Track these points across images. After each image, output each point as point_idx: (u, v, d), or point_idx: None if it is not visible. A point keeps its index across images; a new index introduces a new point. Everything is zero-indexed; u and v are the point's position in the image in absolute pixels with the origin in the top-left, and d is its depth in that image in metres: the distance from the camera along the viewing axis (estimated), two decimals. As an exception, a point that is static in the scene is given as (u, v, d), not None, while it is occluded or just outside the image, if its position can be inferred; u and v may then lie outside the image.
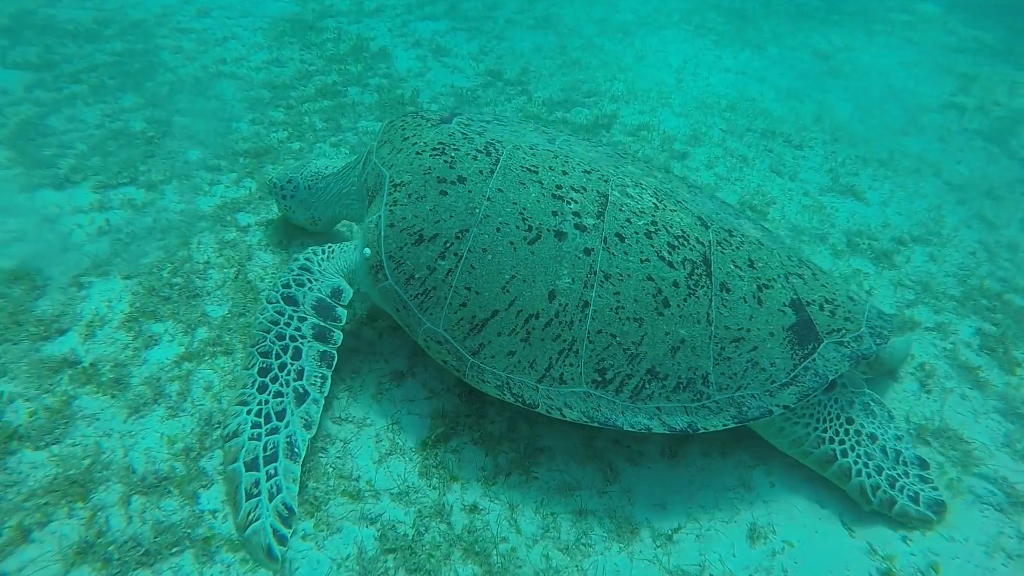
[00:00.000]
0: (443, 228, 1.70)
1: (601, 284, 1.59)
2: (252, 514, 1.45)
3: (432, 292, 1.67)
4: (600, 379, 1.56)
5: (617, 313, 1.57)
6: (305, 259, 1.87)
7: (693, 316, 1.59)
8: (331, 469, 1.59)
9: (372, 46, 4.30)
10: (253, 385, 1.65)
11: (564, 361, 1.57)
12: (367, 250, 1.77)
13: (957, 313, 2.42)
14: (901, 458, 1.72)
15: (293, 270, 1.83)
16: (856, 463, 1.66)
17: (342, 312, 1.77)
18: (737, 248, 1.71)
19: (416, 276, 1.70)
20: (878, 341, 1.72)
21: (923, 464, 1.73)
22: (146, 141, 2.93)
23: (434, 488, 1.58)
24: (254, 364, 1.68)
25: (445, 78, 3.93)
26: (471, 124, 1.91)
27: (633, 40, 5.04)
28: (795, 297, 1.69)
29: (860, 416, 1.75)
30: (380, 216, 1.79)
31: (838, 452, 1.67)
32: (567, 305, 1.59)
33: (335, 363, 1.69)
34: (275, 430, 1.58)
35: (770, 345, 1.61)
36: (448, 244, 1.69)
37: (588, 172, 1.75)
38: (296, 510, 1.47)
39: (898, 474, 1.67)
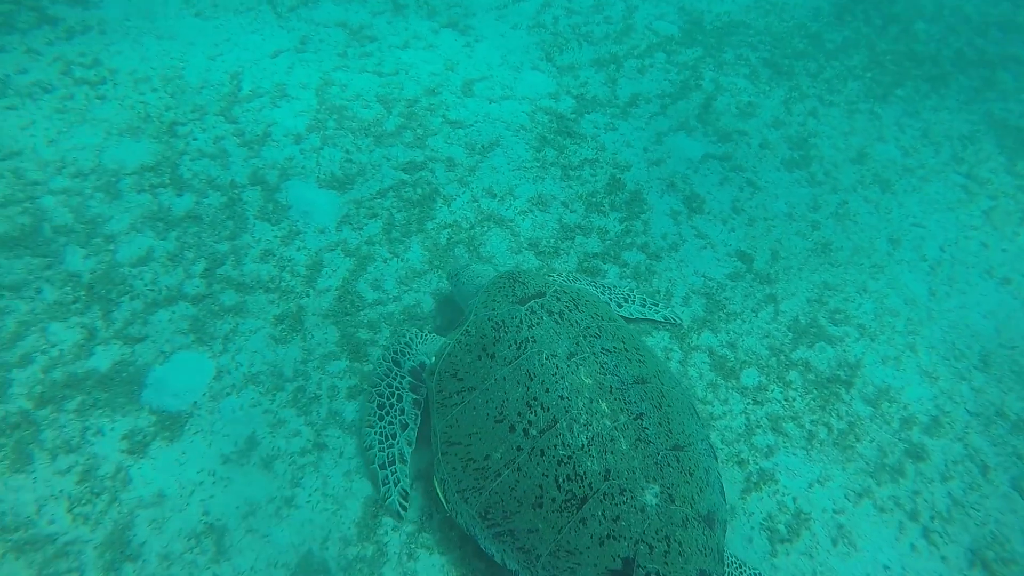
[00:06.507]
0: (467, 378, 2.55)
1: (512, 471, 2.33)
2: (385, 494, 2.61)
3: (443, 407, 2.57)
4: (483, 515, 2.37)
5: (511, 492, 2.32)
6: (409, 338, 2.85)
7: (551, 522, 2.25)
8: None
9: (627, 181, 4.28)
10: (374, 415, 2.74)
11: (471, 493, 2.41)
12: (433, 359, 2.74)
13: None
14: None
15: (400, 343, 2.84)
16: None
17: (426, 378, 2.73)
18: (616, 504, 2.21)
19: (442, 392, 2.60)
20: None
21: None
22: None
23: None
24: (374, 401, 2.77)
25: (697, 260, 3.93)
26: (534, 313, 2.61)
27: (891, 202, 4.67)
28: (632, 558, 2.18)
29: None
30: (450, 344, 2.68)
31: None
32: (489, 468, 2.37)
33: (422, 406, 2.74)
34: (391, 445, 2.69)
35: (588, 572, 2.20)
36: (463, 390, 2.53)
37: (562, 399, 2.36)
38: (408, 492, 2.64)
39: None
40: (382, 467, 2.65)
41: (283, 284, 3.32)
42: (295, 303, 3.26)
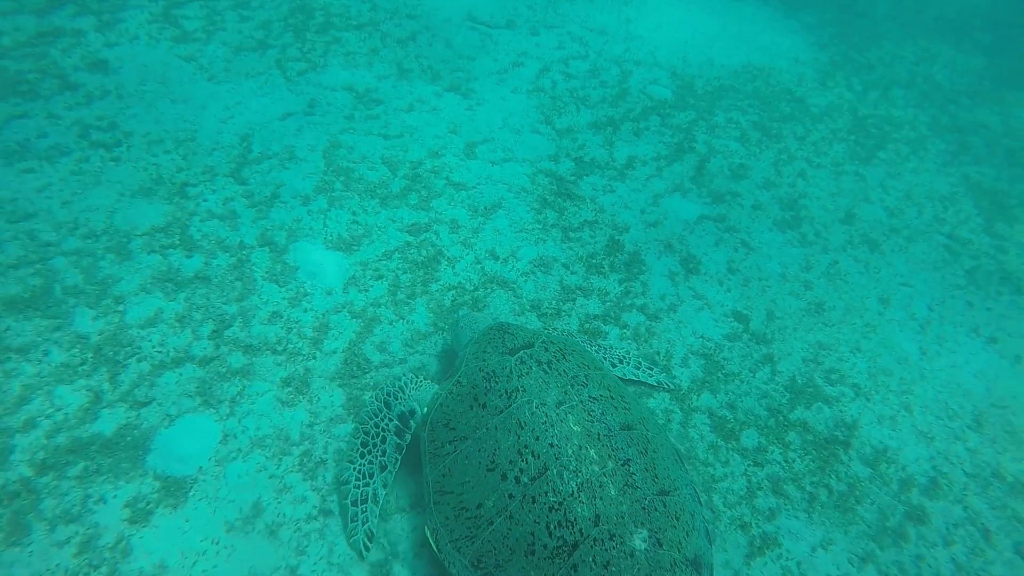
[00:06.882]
0: (459, 427, 2.63)
1: (504, 519, 2.38)
2: (352, 531, 2.66)
3: (436, 457, 2.64)
4: (476, 564, 2.40)
5: (503, 540, 2.36)
6: (403, 383, 2.95)
7: (543, 569, 2.28)
8: None
9: (626, 243, 4.41)
10: (357, 452, 2.82)
11: (464, 542, 2.44)
12: (425, 409, 2.83)
13: None
14: None
15: (394, 386, 2.93)
16: None
17: (412, 424, 2.85)
18: (606, 550, 2.25)
19: (434, 441, 2.67)
20: None
21: None
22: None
23: None
24: (359, 437, 2.85)
25: (696, 320, 4.02)
26: (523, 364, 2.70)
27: (880, 262, 4.82)
28: None
29: None
30: (442, 394, 2.77)
31: None
32: (482, 516, 2.43)
33: (403, 451, 2.82)
34: (367, 484, 2.75)
35: None
36: (455, 439, 2.61)
37: (552, 446, 2.42)
38: (375, 533, 2.68)
39: None
40: (354, 504, 2.70)
41: (290, 346, 3.36)
42: (302, 365, 3.29)
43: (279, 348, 3.35)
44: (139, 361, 3.16)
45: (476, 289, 3.87)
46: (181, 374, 3.14)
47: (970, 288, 4.81)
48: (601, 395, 2.69)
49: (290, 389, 3.19)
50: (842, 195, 5.40)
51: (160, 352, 3.21)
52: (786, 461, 3.42)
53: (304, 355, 3.34)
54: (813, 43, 7.84)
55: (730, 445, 3.42)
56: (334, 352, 3.39)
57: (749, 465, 3.36)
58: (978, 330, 4.49)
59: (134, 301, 3.39)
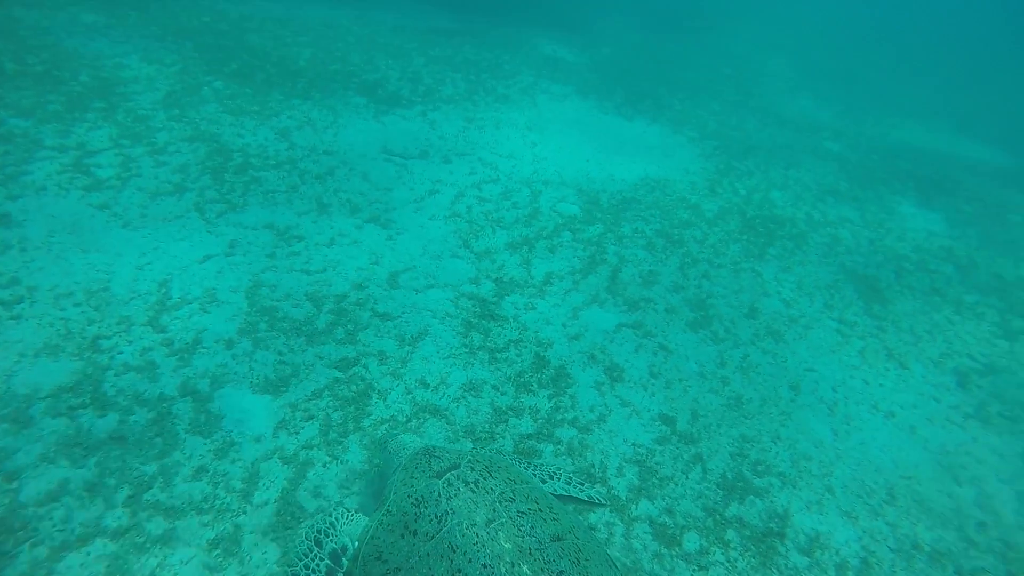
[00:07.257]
0: (391, 559, 2.58)
1: None
2: None
3: None
4: None
5: None
6: (334, 519, 2.91)
7: None
8: None
9: (551, 358, 4.59)
10: None
11: None
12: (357, 543, 2.82)
13: None
14: None
15: (325, 523, 2.89)
16: None
17: (344, 562, 2.81)
18: None
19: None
20: None
21: None
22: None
23: None
24: None
25: (626, 428, 4.17)
26: (451, 485, 2.72)
27: (785, 351, 5.24)
28: None
29: None
30: (372, 525, 2.74)
31: None
32: None
33: None
34: None
35: None
36: (388, 571, 2.55)
37: (486, 567, 2.42)
38: None
39: None
40: None
41: (218, 503, 3.18)
42: (231, 522, 3.11)
43: (205, 506, 3.16)
44: (34, 547, 2.88)
45: (409, 420, 3.87)
46: (89, 553, 2.88)
47: (863, 367, 5.29)
48: (529, 508, 2.73)
49: (218, 551, 2.99)
50: (743, 291, 5.91)
51: (63, 531, 2.94)
52: (729, 561, 3.49)
53: (233, 511, 3.17)
54: (699, 155, 8.83)
55: (673, 552, 3.47)
56: (265, 503, 3.24)
57: (695, 570, 3.40)
58: (877, 406, 4.90)
59: (32, 475, 3.14)
